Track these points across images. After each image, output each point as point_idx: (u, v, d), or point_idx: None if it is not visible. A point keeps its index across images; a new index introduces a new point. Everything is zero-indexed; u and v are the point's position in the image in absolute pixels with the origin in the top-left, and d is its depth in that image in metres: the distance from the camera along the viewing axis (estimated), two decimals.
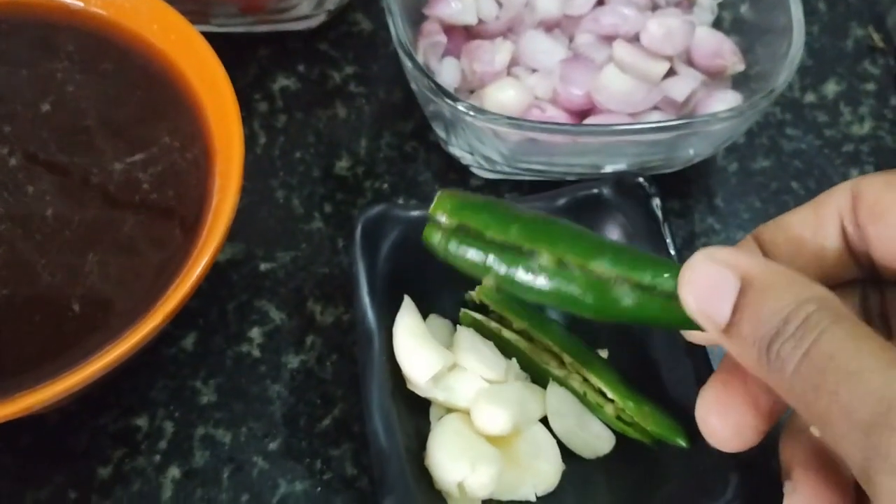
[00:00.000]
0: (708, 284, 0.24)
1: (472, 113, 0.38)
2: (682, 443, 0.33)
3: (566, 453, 0.36)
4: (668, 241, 0.37)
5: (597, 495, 0.35)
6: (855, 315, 0.23)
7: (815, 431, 0.26)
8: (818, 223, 0.27)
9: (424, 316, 0.37)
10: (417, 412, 0.36)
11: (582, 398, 0.36)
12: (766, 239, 0.28)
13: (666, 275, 0.26)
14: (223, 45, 0.37)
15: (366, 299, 0.35)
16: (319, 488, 0.36)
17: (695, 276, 0.25)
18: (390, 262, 0.37)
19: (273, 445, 0.37)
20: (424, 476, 0.34)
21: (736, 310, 0.23)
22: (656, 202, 0.38)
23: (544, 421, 0.36)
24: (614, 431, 0.36)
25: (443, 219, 0.31)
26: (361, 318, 0.35)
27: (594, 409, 0.36)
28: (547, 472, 0.35)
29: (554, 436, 0.36)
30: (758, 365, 0.23)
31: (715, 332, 0.24)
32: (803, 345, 0.22)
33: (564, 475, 0.35)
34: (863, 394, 0.21)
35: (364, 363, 0.34)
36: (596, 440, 0.36)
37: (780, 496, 0.26)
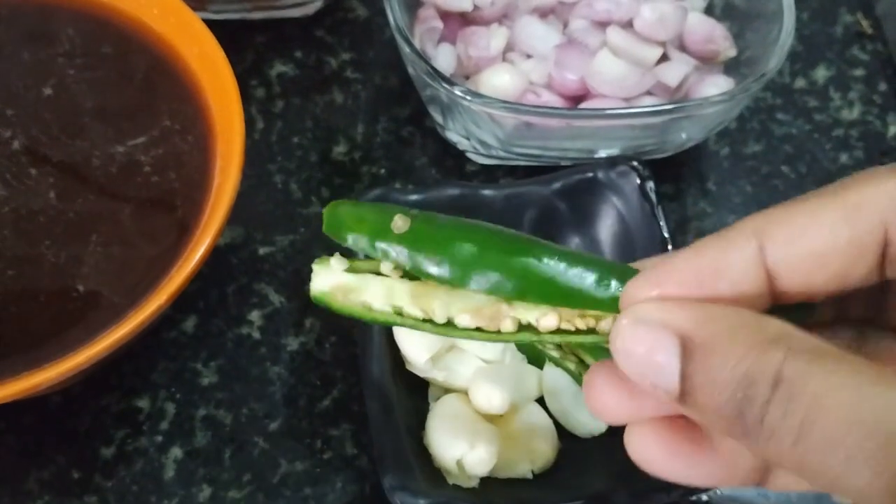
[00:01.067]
0: (644, 353, 0.20)
1: (468, 97, 0.38)
2: None
3: (562, 432, 0.36)
4: (662, 223, 0.38)
5: (592, 472, 0.35)
6: (828, 344, 0.18)
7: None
8: (851, 239, 0.20)
9: None
10: (416, 393, 0.36)
11: (577, 378, 0.36)
12: (777, 261, 0.20)
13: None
14: (220, 32, 0.37)
15: None
16: (319, 468, 0.37)
17: (626, 345, 0.20)
18: None
19: (273, 426, 0.38)
20: (423, 454, 0.34)
21: (684, 377, 0.19)
22: (650, 185, 0.38)
23: (541, 401, 0.37)
24: None
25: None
26: None
27: None
28: (543, 450, 0.35)
29: (550, 415, 0.36)
30: (734, 435, 0.19)
31: (670, 403, 0.20)
32: (797, 410, 0.18)
33: (560, 453, 0.36)
34: None
35: (363, 345, 0.35)
36: (591, 419, 0.36)
37: None
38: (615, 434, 0.36)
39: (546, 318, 0.23)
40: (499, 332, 0.24)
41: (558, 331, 0.23)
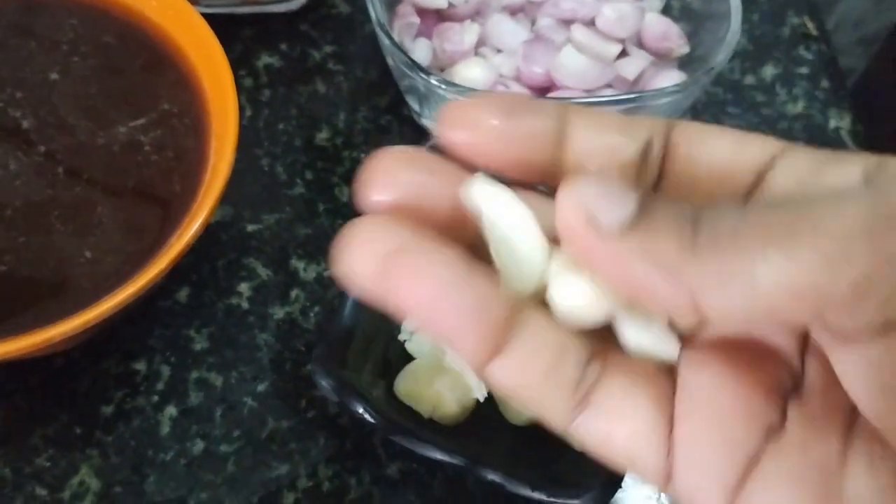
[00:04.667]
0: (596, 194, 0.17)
1: (443, 86, 0.42)
2: None
3: (495, 416, 0.38)
4: None
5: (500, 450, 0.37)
6: None
7: None
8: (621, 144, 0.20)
9: None
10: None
11: None
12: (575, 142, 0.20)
13: None
14: (209, 25, 0.40)
15: None
16: (304, 425, 0.40)
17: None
18: None
19: (261, 387, 0.41)
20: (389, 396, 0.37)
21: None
22: None
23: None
24: None
25: None
26: None
27: None
28: (450, 405, 0.37)
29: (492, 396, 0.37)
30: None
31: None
32: None
33: (475, 423, 0.37)
34: None
35: None
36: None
37: None
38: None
39: None
40: None
41: None
